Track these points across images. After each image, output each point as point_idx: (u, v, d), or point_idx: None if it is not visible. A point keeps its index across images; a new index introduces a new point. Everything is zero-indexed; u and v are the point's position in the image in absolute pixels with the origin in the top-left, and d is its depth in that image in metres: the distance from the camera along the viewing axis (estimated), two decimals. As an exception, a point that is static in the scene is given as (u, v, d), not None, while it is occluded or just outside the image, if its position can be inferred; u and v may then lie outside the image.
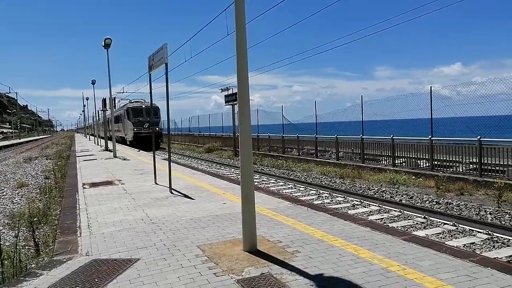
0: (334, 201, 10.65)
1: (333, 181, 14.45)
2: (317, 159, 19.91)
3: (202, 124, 42.46)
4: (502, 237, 6.94)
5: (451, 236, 7.23)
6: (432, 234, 7.31)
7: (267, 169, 18.76)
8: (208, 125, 39.65)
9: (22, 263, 5.05)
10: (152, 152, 10.89)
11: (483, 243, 6.76)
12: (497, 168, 12.11)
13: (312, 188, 12.65)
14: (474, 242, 6.83)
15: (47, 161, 23.72)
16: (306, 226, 5.48)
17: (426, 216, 8.43)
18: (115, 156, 19.09)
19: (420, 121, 16.50)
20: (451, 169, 13.48)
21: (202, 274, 3.87)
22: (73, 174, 13.14)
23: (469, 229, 7.46)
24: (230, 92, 27.66)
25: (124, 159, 17.83)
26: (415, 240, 4.78)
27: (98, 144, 33.25)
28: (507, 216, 8.62)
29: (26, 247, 6.36)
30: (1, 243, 5.55)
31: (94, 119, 44.97)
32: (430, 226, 7.87)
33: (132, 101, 39.19)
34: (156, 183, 9.75)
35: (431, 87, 15.15)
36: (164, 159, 16.66)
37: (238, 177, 7.10)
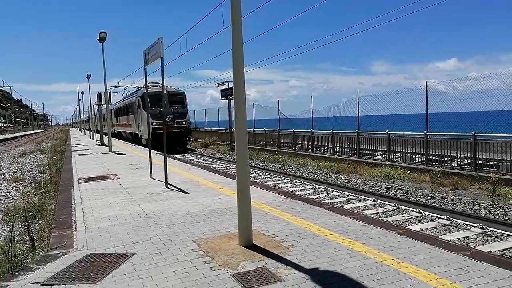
0: (329, 195, 10.68)
1: (328, 176, 14.49)
2: (313, 154, 19.95)
3: (198, 118, 42.36)
4: (495, 231, 6.99)
5: (446, 230, 7.28)
6: (427, 228, 7.36)
7: (263, 164, 18.76)
8: (204, 120, 39.62)
9: (17, 258, 5.04)
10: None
11: (477, 237, 6.81)
12: (492, 162, 12.20)
13: (308, 183, 12.68)
14: (468, 236, 6.88)
15: (42, 156, 23.61)
16: (301, 220, 5.51)
17: (421, 211, 8.48)
18: (110, 151, 19.06)
19: (416, 116, 16.55)
20: (446, 164, 13.56)
21: (197, 268, 3.88)
22: (68, 168, 13.10)
23: (463, 223, 7.51)
24: (226, 86, 27.58)
25: (120, 154, 17.79)
26: (409, 234, 4.81)
27: (93, 139, 33.11)
28: (501, 210, 8.69)
29: (21, 242, 6.35)
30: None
31: (90, 114, 44.71)
32: (425, 220, 7.92)
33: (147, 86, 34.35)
34: (152, 178, 9.74)
35: (426, 82, 15.16)
36: (160, 153, 16.53)
37: (234, 171, 7.09)
